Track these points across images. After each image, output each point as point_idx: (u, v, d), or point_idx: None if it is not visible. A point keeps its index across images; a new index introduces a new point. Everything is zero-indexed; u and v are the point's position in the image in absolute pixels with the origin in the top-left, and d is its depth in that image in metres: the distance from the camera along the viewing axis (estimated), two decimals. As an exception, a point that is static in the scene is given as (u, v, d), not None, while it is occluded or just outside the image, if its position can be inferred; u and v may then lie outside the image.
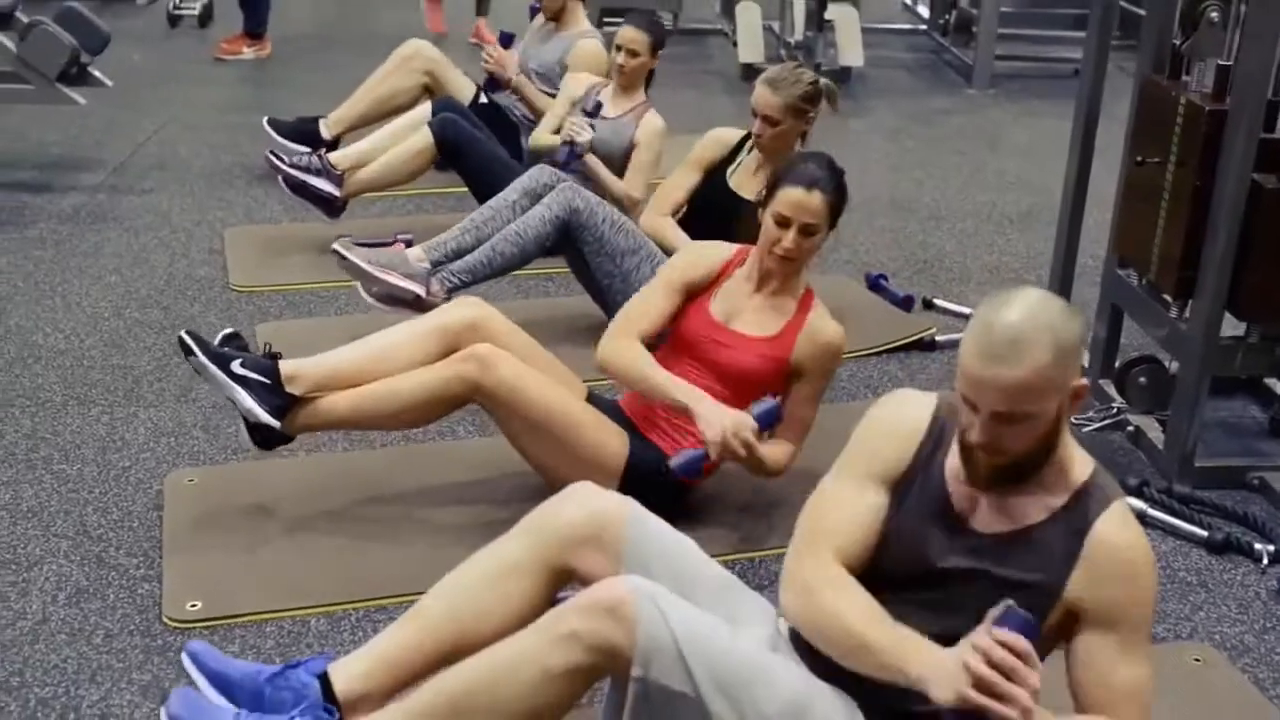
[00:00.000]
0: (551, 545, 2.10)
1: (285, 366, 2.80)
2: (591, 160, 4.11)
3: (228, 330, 2.93)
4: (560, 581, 2.12)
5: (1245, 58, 2.95)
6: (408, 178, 4.48)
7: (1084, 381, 1.84)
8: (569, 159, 4.06)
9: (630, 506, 2.13)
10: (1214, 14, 3.06)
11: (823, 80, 3.60)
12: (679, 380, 2.79)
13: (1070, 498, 1.87)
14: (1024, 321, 1.76)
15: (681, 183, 3.78)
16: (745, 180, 3.63)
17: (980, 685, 1.71)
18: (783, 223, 2.78)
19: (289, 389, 2.79)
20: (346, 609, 2.65)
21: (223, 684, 2.11)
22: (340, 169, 4.41)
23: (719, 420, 2.68)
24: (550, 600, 2.09)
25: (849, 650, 1.86)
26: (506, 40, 4.70)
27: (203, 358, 2.77)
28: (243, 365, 2.78)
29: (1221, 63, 3.06)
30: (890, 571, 1.95)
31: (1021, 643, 1.72)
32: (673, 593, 1.92)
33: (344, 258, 3.61)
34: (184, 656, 2.15)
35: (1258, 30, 2.90)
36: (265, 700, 2.08)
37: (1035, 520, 1.88)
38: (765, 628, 2.08)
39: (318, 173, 4.38)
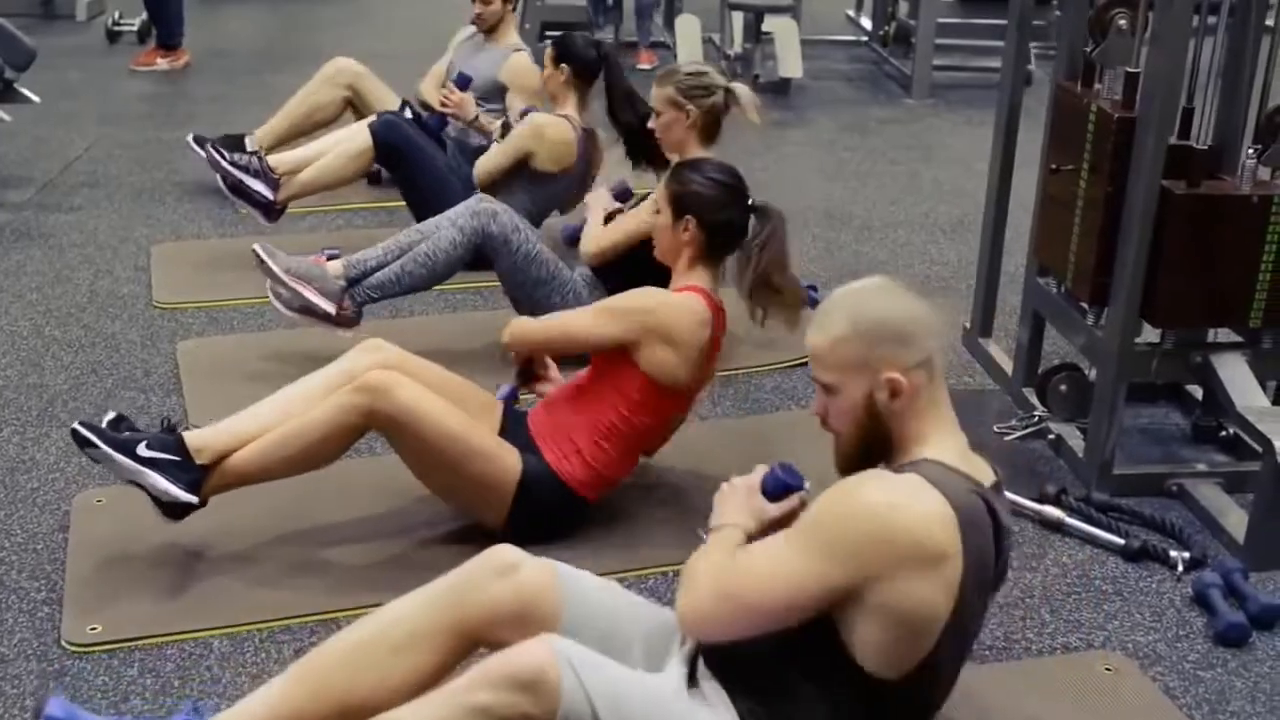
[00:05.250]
0: (471, 622, 2.00)
1: (191, 438, 2.71)
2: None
3: (111, 415, 2.78)
4: (470, 651, 2.02)
5: (1152, 65, 2.96)
6: (344, 181, 4.48)
7: (896, 376, 1.87)
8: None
9: (559, 577, 2.04)
10: (1122, 21, 3.07)
11: (734, 85, 3.59)
12: None
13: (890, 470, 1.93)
14: (839, 295, 1.95)
15: None
16: None
17: None
18: None
19: (198, 461, 2.70)
20: (250, 629, 2.60)
21: None
22: (278, 172, 4.38)
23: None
24: (458, 665, 1.99)
25: None
26: (464, 82, 4.60)
27: (105, 448, 2.65)
28: (148, 447, 2.67)
29: (1130, 70, 3.07)
30: None
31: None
32: (600, 651, 1.88)
33: (262, 261, 3.57)
34: None
35: (1164, 37, 2.91)
36: None
37: None
38: (685, 651, 2.05)
39: (255, 174, 4.35)
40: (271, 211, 4.41)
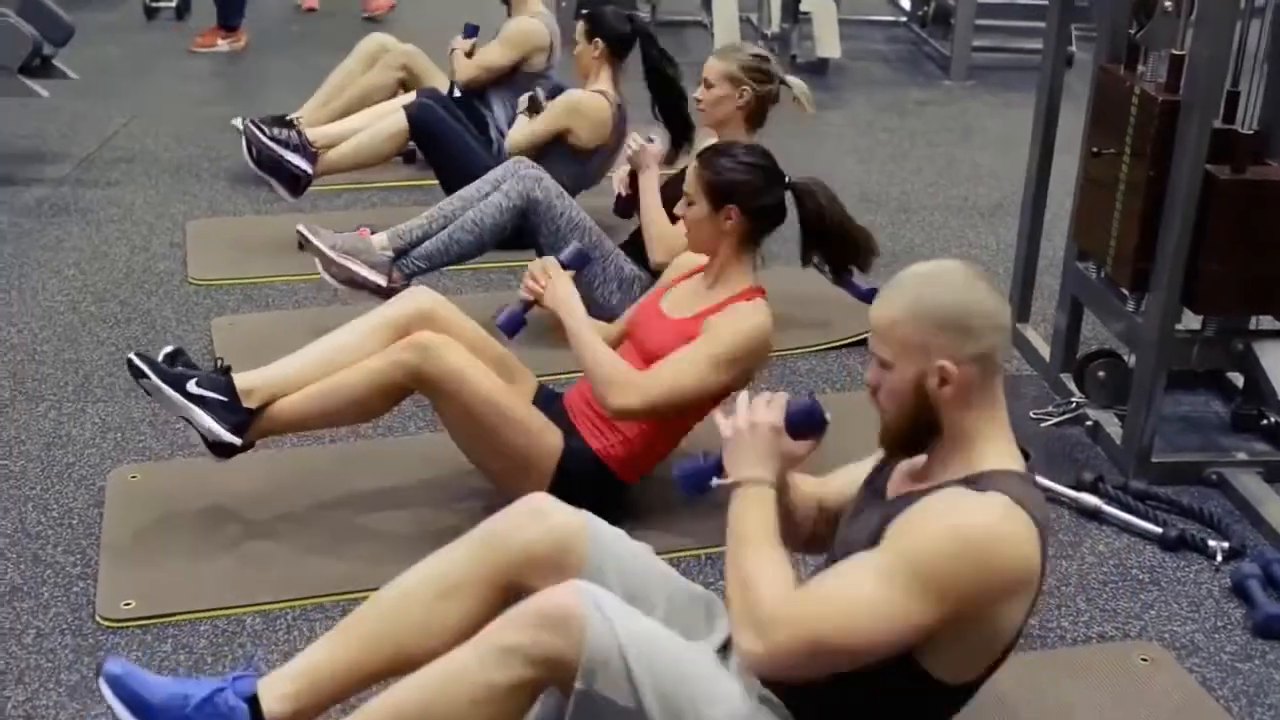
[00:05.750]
0: (507, 565, 2.04)
1: (240, 380, 2.74)
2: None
3: (169, 349, 2.82)
4: (511, 597, 2.03)
5: (1198, 48, 2.91)
6: (378, 160, 4.50)
7: (947, 364, 1.78)
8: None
9: (590, 525, 2.07)
10: (1168, 3, 3.02)
11: (790, 79, 3.58)
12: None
13: (962, 480, 1.80)
14: (910, 273, 1.86)
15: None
16: None
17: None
18: None
19: (245, 403, 2.73)
20: (283, 608, 2.61)
21: (143, 712, 2.01)
22: (316, 146, 4.39)
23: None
24: (498, 613, 1.99)
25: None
26: (471, 31, 4.67)
27: (156, 380, 2.69)
28: (198, 384, 2.71)
29: (1175, 52, 3.02)
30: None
31: (780, 396, 1.94)
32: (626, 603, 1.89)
33: (308, 240, 3.59)
34: (101, 683, 2.03)
35: (1210, 19, 2.86)
36: None
37: (918, 488, 1.85)
38: (718, 626, 2.05)
39: (295, 148, 4.35)
40: (300, 186, 4.40)
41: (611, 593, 1.90)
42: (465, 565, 2.06)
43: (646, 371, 2.73)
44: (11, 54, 4.74)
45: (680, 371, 2.71)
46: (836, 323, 3.95)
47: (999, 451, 1.83)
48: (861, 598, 1.70)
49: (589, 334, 2.75)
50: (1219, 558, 2.88)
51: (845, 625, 1.70)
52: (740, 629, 1.76)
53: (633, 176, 3.70)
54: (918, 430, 1.84)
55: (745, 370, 2.78)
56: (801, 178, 2.85)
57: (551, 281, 2.78)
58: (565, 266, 2.83)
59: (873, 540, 1.78)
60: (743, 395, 1.97)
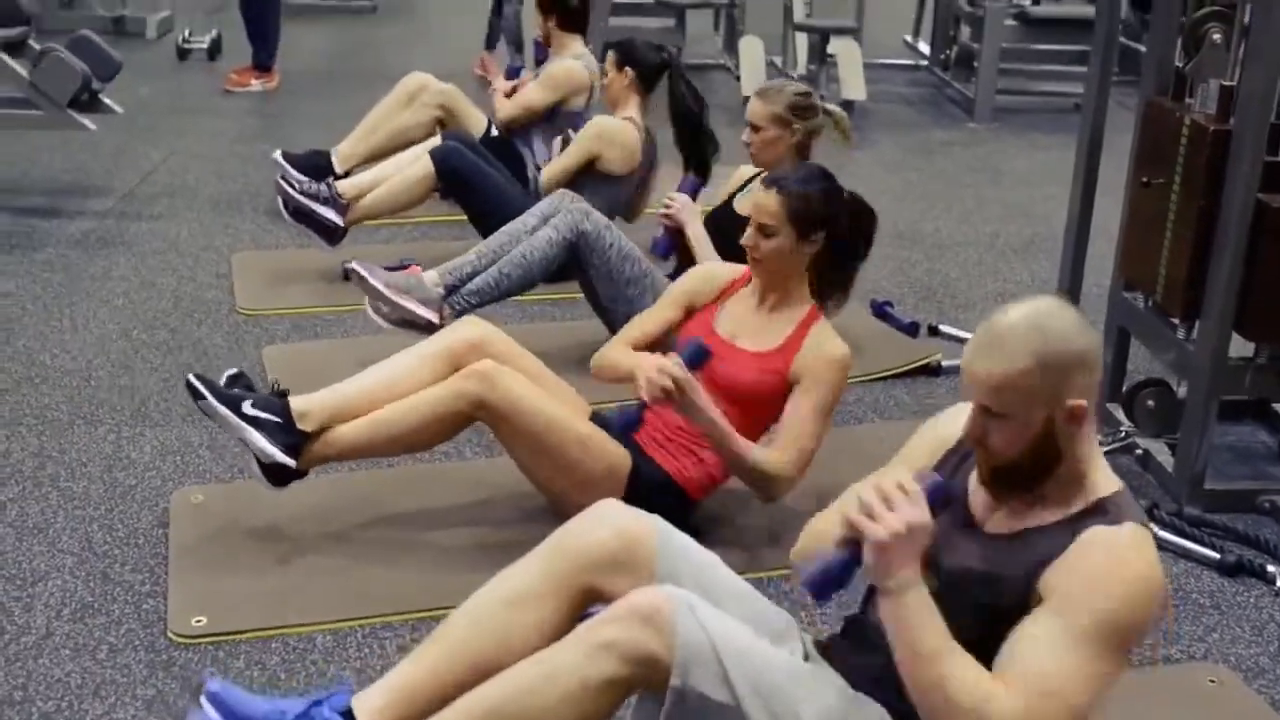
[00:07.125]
0: (579, 569, 2.05)
1: (295, 403, 2.79)
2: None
3: (232, 371, 2.89)
4: (586, 603, 2.06)
5: (1248, 78, 2.96)
6: (407, 206, 4.49)
7: (1081, 403, 1.79)
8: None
9: (658, 525, 2.09)
10: (1217, 35, 3.08)
11: (831, 107, 3.65)
12: (639, 357, 2.86)
13: (1083, 509, 1.83)
14: (1017, 323, 1.79)
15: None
16: (747, 200, 3.70)
17: (861, 509, 1.78)
18: (747, 221, 2.86)
19: (300, 426, 2.77)
20: (352, 626, 2.63)
21: None
22: (346, 198, 4.42)
23: (647, 364, 2.65)
24: (575, 621, 2.02)
25: None
26: (514, 73, 4.70)
27: (213, 401, 2.74)
28: (253, 406, 2.75)
29: (1225, 83, 3.07)
30: None
31: (912, 486, 1.79)
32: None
33: (363, 278, 3.59)
34: (203, 699, 2.03)
35: (1260, 51, 2.92)
36: None
37: (1039, 524, 1.86)
38: (793, 641, 2.07)
39: (325, 201, 4.38)
40: (335, 236, 4.43)
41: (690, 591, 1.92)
42: (537, 573, 2.07)
43: (785, 448, 2.79)
44: (61, 88, 4.82)
45: (809, 433, 2.80)
46: (880, 353, 3.98)
47: (1103, 471, 1.87)
48: (1076, 676, 1.72)
49: (737, 436, 2.74)
50: (1278, 583, 2.90)
51: (1071, 705, 1.72)
52: None
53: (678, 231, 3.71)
54: (1038, 465, 1.84)
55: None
56: (855, 194, 2.94)
57: (685, 390, 2.62)
58: (689, 365, 2.66)
59: (988, 580, 1.81)
60: (868, 491, 1.79)
